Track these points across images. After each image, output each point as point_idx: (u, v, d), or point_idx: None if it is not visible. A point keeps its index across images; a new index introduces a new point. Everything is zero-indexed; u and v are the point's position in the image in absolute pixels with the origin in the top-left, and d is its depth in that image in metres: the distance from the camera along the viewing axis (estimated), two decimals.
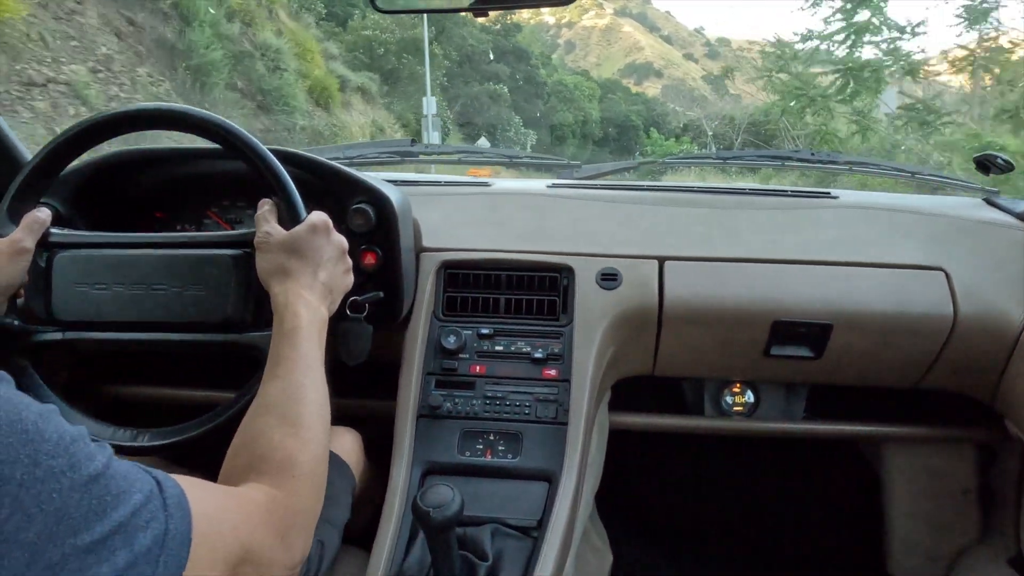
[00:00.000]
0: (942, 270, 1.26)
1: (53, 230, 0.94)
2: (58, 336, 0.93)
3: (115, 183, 1.16)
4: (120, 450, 0.91)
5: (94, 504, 0.49)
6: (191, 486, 0.58)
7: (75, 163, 0.99)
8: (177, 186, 1.21)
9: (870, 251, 1.29)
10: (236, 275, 0.91)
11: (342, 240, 0.93)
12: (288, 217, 0.90)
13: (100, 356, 1.38)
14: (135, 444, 0.90)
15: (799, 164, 1.59)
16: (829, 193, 1.46)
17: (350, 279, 0.94)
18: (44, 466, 0.47)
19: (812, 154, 1.61)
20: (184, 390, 1.44)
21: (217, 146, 0.92)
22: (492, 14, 1.20)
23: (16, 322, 0.92)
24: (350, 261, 0.94)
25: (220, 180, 1.21)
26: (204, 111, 0.91)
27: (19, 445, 0.47)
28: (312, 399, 0.78)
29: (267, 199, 0.91)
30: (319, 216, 0.91)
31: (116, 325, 0.93)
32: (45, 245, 0.93)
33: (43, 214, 0.92)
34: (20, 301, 0.94)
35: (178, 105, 0.92)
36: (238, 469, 0.71)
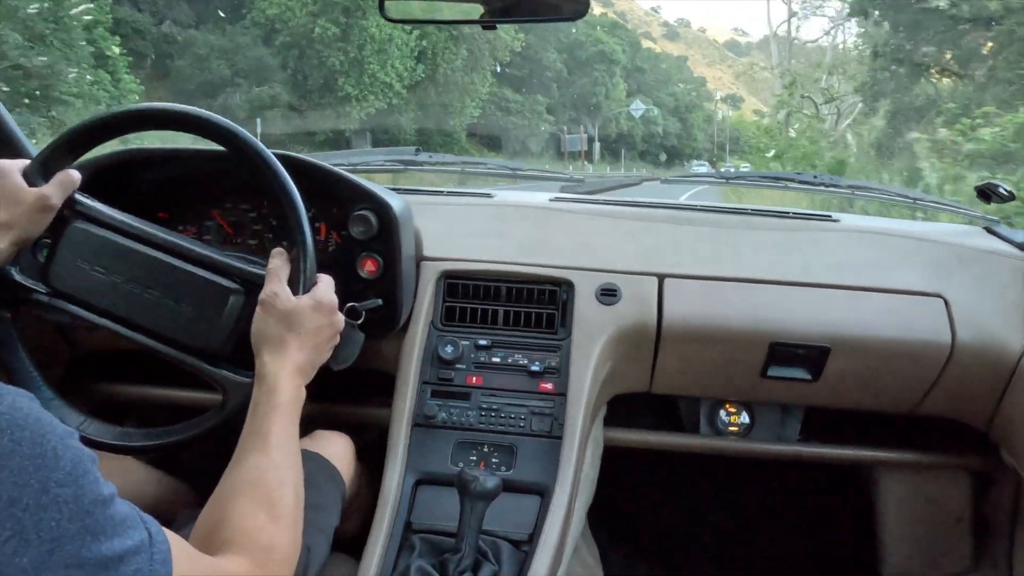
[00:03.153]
0: (941, 297, 1.26)
1: (78, 196, 0.93)
2: (44, 298, 0.93)
3: (119, 182, 1.15)
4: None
5: (89, 532, 0.49)
6: (178, 547, 0.59)
7: (78, 161, 0.99)
8: (181, 187, 1.21)
9: (870, 276, 1.29)
10: (230, 308, 0.91)
11: (340, 320, 0.92)
12: (294, 230, 0.90)
13: (94, 353, 1.37)
14: (96, 439, 0.90)
15: (801, 187, 1.60)
16: (830, 216, 1.47)
17: (327, 357, 0.93)
18: (52, 494, 0.48)
19: (815, 177, 1.62)
20: (176, 390, 1.43)
21: (222, 148, 0.93)
22: None
23: (15, 274, 0.92)
24: (338, 340, 0.94)
25: (224, 182, 1.21)
26: (217, 115, 0.91)
27: (33, 469, 0.47)
28: (292, 481, 0.79)
29: (281, 250, 0.90)
30: (327, 294, 0.90)
31: (100, 312, 0.93)
32: (69, 208, 0.92)
33: (75, 174, 0.92)
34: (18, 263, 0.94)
35: (192, 108, 0.92)
36: (217, 542, 0.71)
